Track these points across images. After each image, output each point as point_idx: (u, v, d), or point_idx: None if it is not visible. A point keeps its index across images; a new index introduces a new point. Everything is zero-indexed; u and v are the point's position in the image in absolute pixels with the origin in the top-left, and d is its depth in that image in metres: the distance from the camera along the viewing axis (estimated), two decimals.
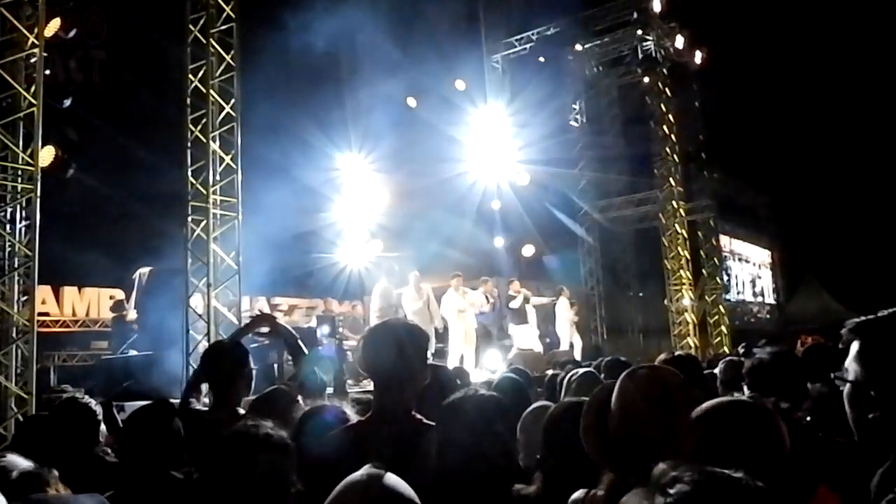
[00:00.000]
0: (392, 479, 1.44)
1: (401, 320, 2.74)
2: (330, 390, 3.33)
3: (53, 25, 8.40)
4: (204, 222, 8.88)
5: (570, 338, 13.78)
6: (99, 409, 3.30)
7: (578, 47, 18.61)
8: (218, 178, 9.10)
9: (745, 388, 3.18)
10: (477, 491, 1.93)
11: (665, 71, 17.93)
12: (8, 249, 7.92)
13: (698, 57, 18.31)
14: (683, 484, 0.97)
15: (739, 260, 27.32)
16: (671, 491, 0.96)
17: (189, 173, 8.94)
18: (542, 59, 18.40)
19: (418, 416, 2.29)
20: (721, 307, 18.82)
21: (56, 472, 2.03)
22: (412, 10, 13.54)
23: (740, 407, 1.68)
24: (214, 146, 9.09)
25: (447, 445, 2.00)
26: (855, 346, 1.47)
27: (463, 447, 1.96)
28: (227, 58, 9.28)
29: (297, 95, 12.15)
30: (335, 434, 2.25)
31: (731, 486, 0.97)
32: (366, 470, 1.45)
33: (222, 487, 1.81)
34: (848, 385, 1.48)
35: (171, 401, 3.12)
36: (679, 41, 17.66)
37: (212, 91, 9.11)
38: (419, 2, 13.83)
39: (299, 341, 3.56)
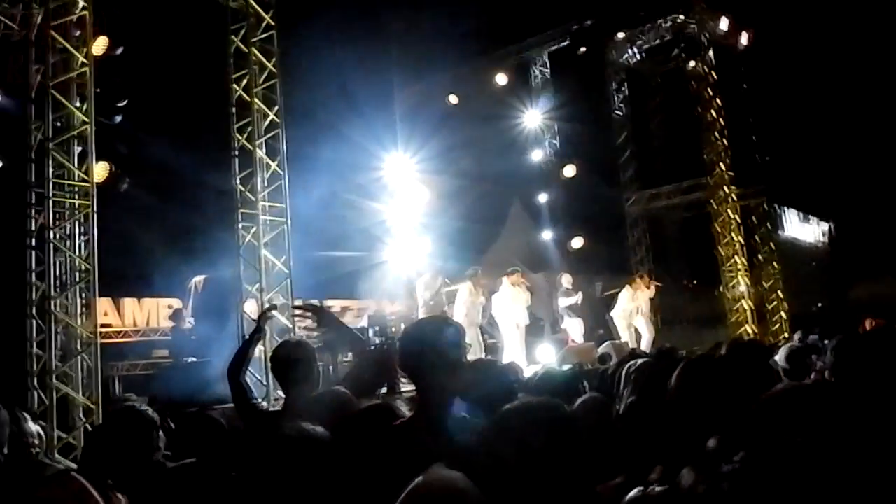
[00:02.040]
0: (459, 479, 1.41)
1: (435, 318, 2.71)
2: (383, 390, 3.35)
3: (102, 44, 8.61)
4: (254, 228, 9.02)
5: (645, 328, 13.60)
6: (156, 417, 3.36)
7: (619, 36, 18.32)
8: (265, 184, 9.24)
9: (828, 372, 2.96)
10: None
11: (709, 55, 17.54)
12: (69, 264, 8.17)
13: (744, 38, 17.86)
14: (736, 461, 0.92)
15: (795, 243, 26.65)
16: (725, 469, 0.91)
17: (237, 181, 9.10)
18: (582, 49, 18.18)
19: (462, 413, 2.27)
20: (779, 293, 18.32)
21: (110, 482, 2.07)
22: (451, 6, 13.51)
23: (804, 392, 1.60)
24: (261, 153, 9.24)
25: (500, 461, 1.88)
26: None
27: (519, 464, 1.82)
28: (269, 65, 9.43)
29: (339, 96, 12.23)
30: (383, 433, 2.25)
31: (784, 460, 0.91)
32: (434, 470, 1.43)
33: (268, 488, 1.83)
34: None
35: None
36: (723, 23, 17.25)
37: (255, 99, 9.26)
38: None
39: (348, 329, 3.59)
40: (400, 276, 14.05)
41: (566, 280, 13.18)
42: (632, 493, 1.84)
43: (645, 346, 12.91)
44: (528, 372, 6.70)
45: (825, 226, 29.69)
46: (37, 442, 3.18)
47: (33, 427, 3.31)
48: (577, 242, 17.36)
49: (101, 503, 1.96)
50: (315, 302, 12.51)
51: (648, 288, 13.74)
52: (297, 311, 3.97)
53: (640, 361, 3.84)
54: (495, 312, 11.45)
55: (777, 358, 4.13)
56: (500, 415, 1.90)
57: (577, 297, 12.92)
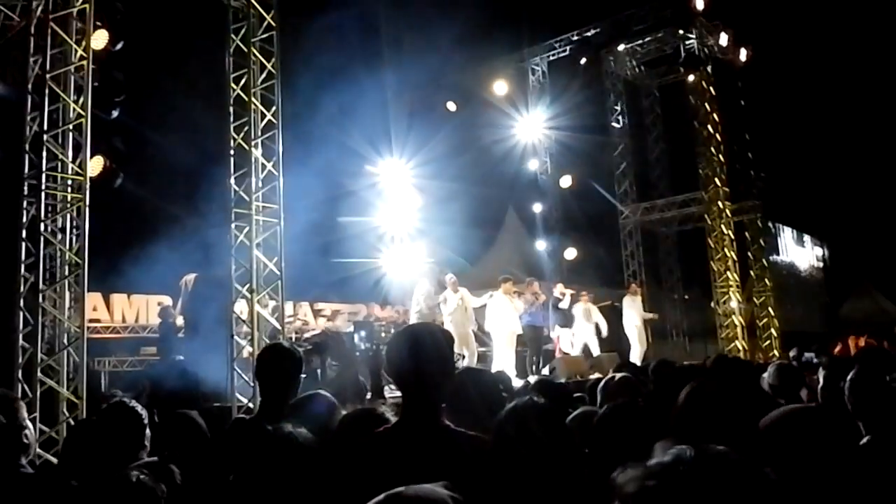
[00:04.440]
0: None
1: (425, 324, 2.68)
2: (369, 395, 3.33)
3: (102, 38, 8.57)
4: (247, 229, 8.97)
5: (637, 340, 13.67)
6: (145, 414, 3.33)
7: (619, 48, 18.40)
8: (260, 184, 9.20)
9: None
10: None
11: (708, 69, 17.60)
12: (59, 258, 8.12)
13: (743, 55, 17.95)
14: (665, 457, 0.91)
15: (788, 261, 26.73)
16: (651, 462, 0.91)
17: (232, 180, 9.05)
18: (582, 60, 18.24)
19: (447, 421, 2.25)
20: (770, 309, 18.37)
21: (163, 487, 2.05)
22: (451, 13, 13.52)
23: (810, 415, 1.58)
24: (256, 153, 9.19)
25: (506, 455, 1.92)
26: None
27: (518, 463, 1.86)
28: (269, 66, 9.39)
29: (337, 100, 12.23)
30: (366, 439, 2.24)
31: (712, 462, 0.90)
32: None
33: (251, 490, 1.81)
34: None
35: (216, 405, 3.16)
36: (723, 39, 17.33)
37: (253, 99, 9.22)
38: (458, 6, 13.81)
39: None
40: (393, 281, 14.02)
41: (558, 289, 13.18)
42: None
43: (635, 358, 12.90)
44: (515, 382, 6.70)
45: (819, 245, 29.78)
46: (28, 434, 3.14)
47: (27, 417, 3.27)
48: (571, 253, 17.38)
49: None
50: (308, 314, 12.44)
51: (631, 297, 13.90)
52: None
53: (618, 376, 3.83)
54: (488, 320, 11.44)
55: (765, 375, 4.09)
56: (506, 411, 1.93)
57: (567, 299, 12.88)
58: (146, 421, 3.25)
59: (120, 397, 5.68)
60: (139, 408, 3.25)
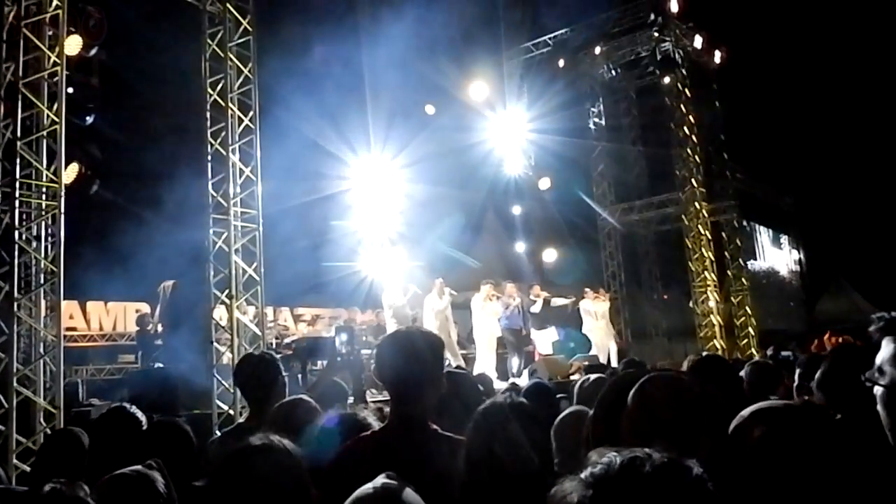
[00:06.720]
0: (406, 493, 1.40)
1: (415, 328, 2.68)
2: (351, 399, 3.33)
3: (76, 44, 8.49)
4: (225, 234, 8.91)
5: (603, 341, 13.70)
6: (144, 419, 3.28)
7: (596, 50, 18.52)
8: (238, 189, 9.15)
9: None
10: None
11: (684, 71, 17.78)
12: (34, 266, 8.01)
13: (717, 56, 18.16)
14: (601, 465, 0.91)
15: (765, 260, 27.02)
16: (587, 473, 0.91)
17: (210, 186, 8.99)
18: (559, 62, 18.34)
19: (434, 425, 2.25)
20: (747, 308, 18.57)
21: (86, 488, 2.02)
22: (429, 16, 13.53)
23: (787, 412, 1.56)
24: (234, 158, 9.13)
25: (475, 456, 1.94)
26: (891, 347, 1.39)
27: (491, 458, 1.89)
28: (245, 70, 9.35)
29: (315, 104, 12.19)
30: (351, 444, 2.23)
31: (649, 468, 0.90)
32: (379, 482, 1.41)
33: (231, 500, 1.80)
34: (882, 389, 1.39)
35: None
36: (697, 41, 17.53)
37: (230, 104, 9.17)
38: (436, 8, 13.83)
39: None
40: (373, 285, 13.99)
41: (533, 292, 13.23)
42: None
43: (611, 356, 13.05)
44: (497, 384, 6.71)
45: (795, 244, 30.13)
46: None
47: None
48: (550, 255, 17.44)
49: None
50: (288, 320, 12.30)
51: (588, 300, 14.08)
52: None
53: (593, 377, 3.86)
54: (473, 323, 11.50)
55: (742, 373, 4.13)
56: (479, 410, 1.97)
57: (539, 302, 12.92)
58: (145, 427, 3.21)
59: (119, 402, 5.60)
60: (139, 413, 3.20)
